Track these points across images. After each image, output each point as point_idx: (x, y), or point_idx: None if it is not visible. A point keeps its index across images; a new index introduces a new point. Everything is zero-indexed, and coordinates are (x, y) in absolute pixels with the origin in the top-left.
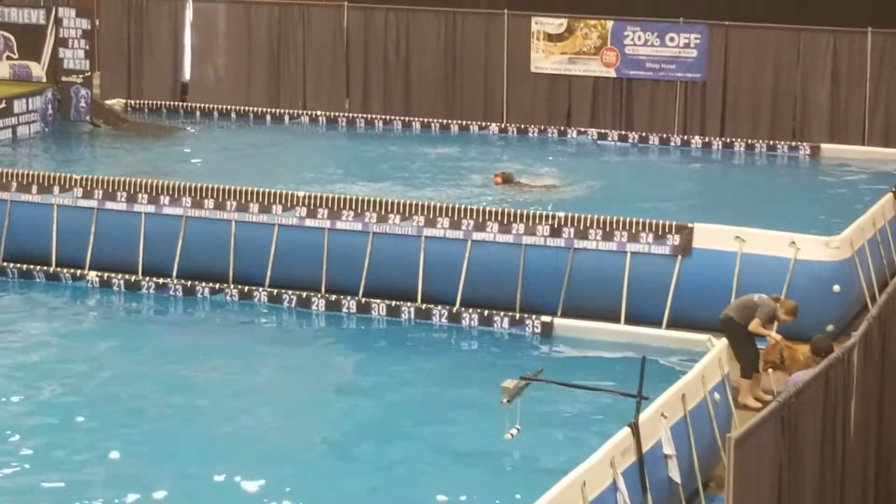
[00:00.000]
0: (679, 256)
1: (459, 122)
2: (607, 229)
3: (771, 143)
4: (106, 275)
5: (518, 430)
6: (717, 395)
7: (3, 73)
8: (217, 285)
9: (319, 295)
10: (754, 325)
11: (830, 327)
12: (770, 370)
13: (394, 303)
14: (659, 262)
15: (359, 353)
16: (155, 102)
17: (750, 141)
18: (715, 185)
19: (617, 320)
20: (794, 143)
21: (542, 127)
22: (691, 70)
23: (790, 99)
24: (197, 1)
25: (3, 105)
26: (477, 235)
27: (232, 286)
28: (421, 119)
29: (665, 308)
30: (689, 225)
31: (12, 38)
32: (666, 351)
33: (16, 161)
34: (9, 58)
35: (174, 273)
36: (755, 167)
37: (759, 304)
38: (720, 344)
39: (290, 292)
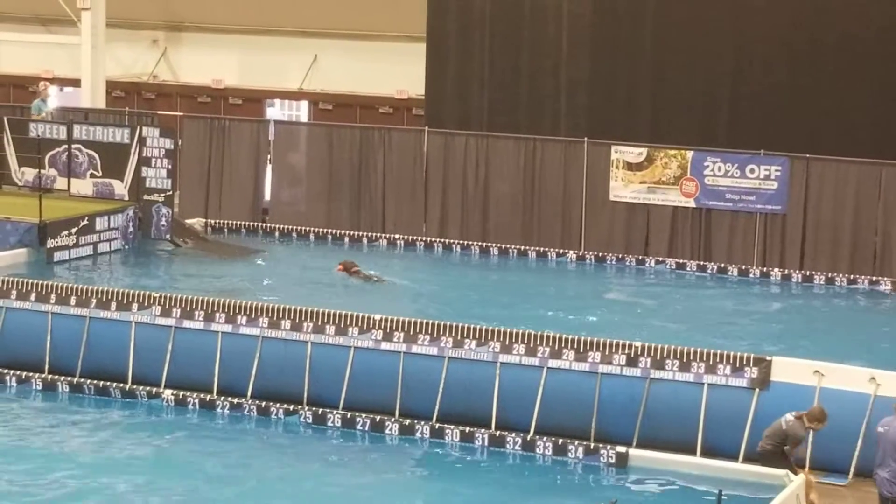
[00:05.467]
0: (757, 389)
1: (537, 248)
2: (684, 360)
3: (851, 276)
4: (181, 393)
5: None
6: None
7: (86, 190)
8: (291, 406)
9: (393, 419)
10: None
11: None
12: None
13: (467, 429)
14: (736, 395)
15: (431, 480)
16: (235, 222)
17: (830, 274)
18: (795, 318)
19: (692, 452)
20: (874, 278)
21: (620, 255)
22: (771, 202)
23: (871, 233)
24: (279, 122)
25: (86, 222)
26: (553, 363)
27: (306, 408)
28: (499, 245)
29: (742, 441)
30: (768, 358)
31: (97, 156)
32: (742, 485)
33: (96, 278)
34: (93, 175)
35: (249, 393)
36: (835, 301)
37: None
38: (798, 479)
39: (363, 416)
